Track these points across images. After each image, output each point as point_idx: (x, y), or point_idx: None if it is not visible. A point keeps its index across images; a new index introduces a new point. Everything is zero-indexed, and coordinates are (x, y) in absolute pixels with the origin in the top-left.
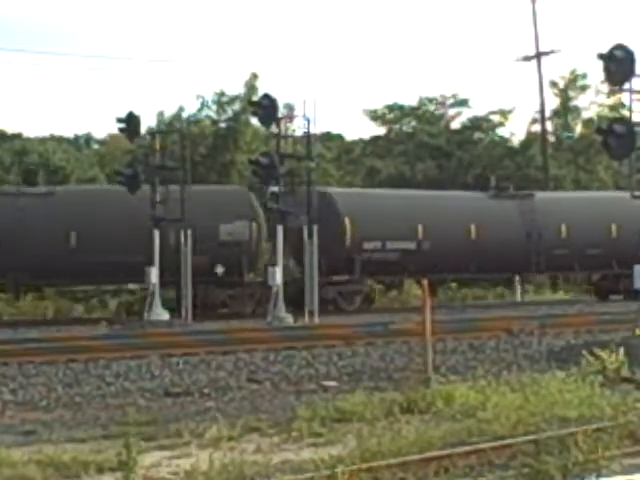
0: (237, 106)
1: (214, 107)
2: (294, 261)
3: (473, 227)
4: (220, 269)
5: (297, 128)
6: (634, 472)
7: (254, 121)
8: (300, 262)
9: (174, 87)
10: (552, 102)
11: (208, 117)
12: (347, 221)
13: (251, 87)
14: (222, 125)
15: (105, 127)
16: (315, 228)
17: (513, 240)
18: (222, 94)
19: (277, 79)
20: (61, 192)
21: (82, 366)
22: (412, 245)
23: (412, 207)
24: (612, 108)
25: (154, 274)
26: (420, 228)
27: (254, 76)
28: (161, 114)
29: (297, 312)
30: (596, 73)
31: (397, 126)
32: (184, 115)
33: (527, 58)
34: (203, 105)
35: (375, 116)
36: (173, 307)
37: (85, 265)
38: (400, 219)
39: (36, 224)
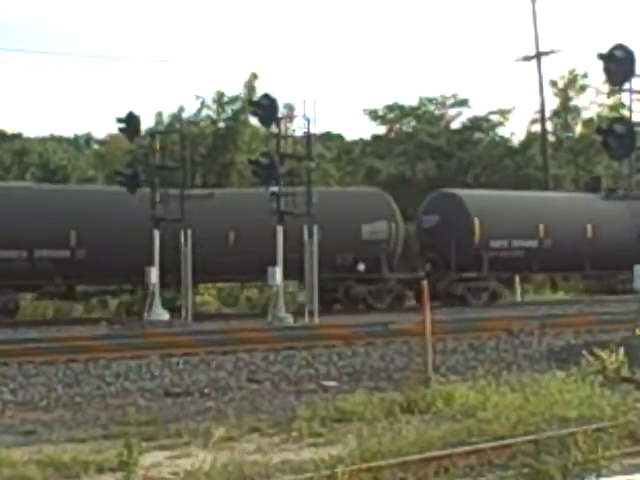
0: (237, 106)
1: (214, 107)
2: (424, 258)
3: (589, 227)
4: (362, 266)
5: (297, 128)
6: (634, 472)
7: (253, 121)
8: (433, 260)
9: (174, 87)
10: (552, 102)
11: (208, 117)
12: (476, 221)
13: (250, 87)
14: (221, 125)
15: (105, 127)
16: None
17: (625, 239)
18: (222, 94)
19: (277, 79)
20: (220, 194)
21: (82, 366)
22: (534, 243)
23: (533, 207)
24: (612, 108)
25: (154, 274)
26: (541, 227)
27: (254, 76)
28: (159, 114)
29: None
30: (596, 73)
31: (397, 126)
32: (184, 115)
33: (527, 58)
34: (203, 105)
35: (375, 116)
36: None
37: (242, 262)
38: (523, 219)
39: (198, 224)
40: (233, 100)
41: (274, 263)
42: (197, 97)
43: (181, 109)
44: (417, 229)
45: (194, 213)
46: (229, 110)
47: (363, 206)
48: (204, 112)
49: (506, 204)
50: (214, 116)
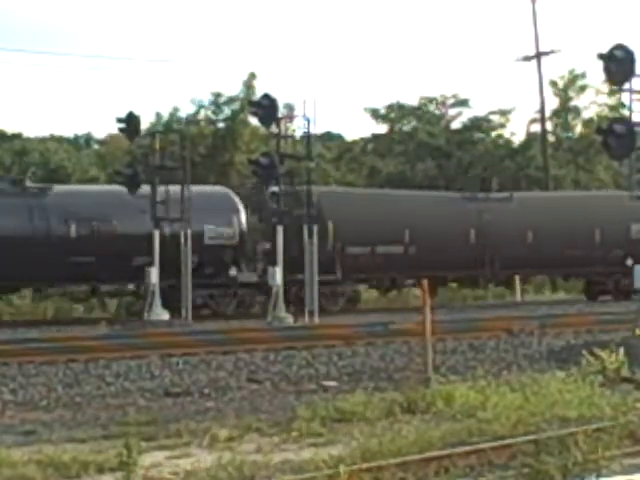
0: (235, 106)
1: (212, 107)
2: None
3: None
4: (630, 261)
5: (297, 128)
6: (634, 472)
7: (252, 121)
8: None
9: (174, 87)
10: (552, 102)
11: (207, 117)
12: None
13: (249, 87)
14: (220, 125)
15: (105, 127)
16: None
17: None
18: (219, 95)
19: (277, 79)
20: (518, 197)
21: (82, 366)
22: None
23: None
24: (612, 108)
25: (154, 274)
26: None
27: (252, 76)
28: (158, 115)
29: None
30: (596, 73)
31: (398, 125)
32: (182, 115)
33: (527, 58)
34: (200, 107)
35: (377, 115)
36: None
37: (541, 259)
38: None
39: (499, 224)
40: (231, 100)
41: (560, 258)
42: (192, 101)
43: (176, 109)
44: None
45: (494, 213)
46: (227, 110)
47: (630, 208)
48: (202, 113)
49: None
50: (212, 117)
